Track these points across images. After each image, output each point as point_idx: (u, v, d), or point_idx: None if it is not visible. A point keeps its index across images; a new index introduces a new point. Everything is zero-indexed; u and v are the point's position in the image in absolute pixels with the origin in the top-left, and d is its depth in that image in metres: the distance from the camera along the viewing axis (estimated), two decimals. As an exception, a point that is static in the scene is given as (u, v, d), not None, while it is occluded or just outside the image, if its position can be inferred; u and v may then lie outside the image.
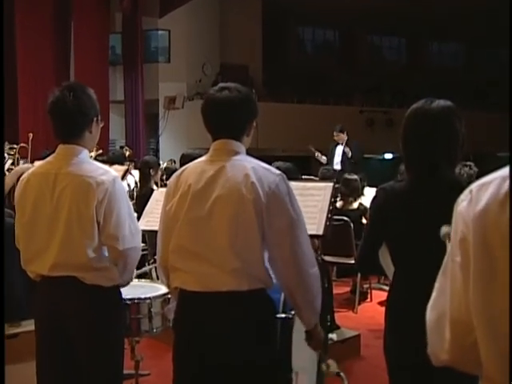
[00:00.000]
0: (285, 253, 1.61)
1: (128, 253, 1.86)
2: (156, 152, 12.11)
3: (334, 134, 7.57)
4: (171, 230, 1.69)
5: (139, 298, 2.29)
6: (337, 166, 7.51)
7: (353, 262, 4.33)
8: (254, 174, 1.62)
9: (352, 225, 4.34)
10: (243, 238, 1.59)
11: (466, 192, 0.88)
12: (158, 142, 12.30)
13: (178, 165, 6.04)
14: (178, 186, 1.71)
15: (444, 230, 1.05)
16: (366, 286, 4.93)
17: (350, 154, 7.45)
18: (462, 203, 0.87)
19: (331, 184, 2.57)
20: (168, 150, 11.54)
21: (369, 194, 4.85)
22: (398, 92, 14.26)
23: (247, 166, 1.64)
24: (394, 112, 12.53)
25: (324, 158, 7.74)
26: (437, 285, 0.91)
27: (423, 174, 1.59)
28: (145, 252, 4.19)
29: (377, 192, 1.69)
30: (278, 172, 1.66)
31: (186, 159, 4.27)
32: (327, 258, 4.37)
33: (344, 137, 7.54)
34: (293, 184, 1.73)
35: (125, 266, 1.88)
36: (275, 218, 1.59)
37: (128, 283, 1.96)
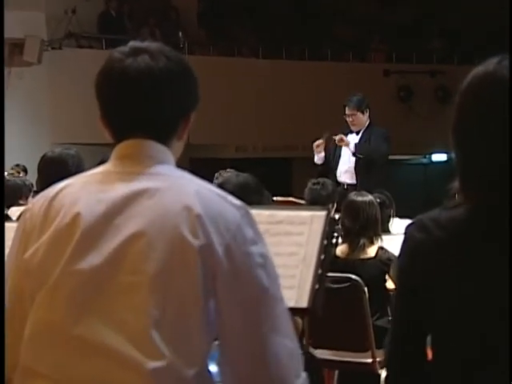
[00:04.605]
0: (250, 349, 1.71)
1: None
2: (-13, 150, 11.99)
3: (347, 111, 7.64)
4: (29, 298, 1.75)
5: None
6: (345, 176, 7.65)
7: (369, 360, 4.48)
8: (201, 203, 1.71)
9: (366, 289, 4.48)
10: (176, 314, 1.67)
11: None
12: (-10, 131, 12.19)
13: (32, 176, 6.07)
14: (49, 216, 1.77)
15: None
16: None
17: (351, 147, 7.48)
18: None
19: (323, 213, 2.71)
20: (12, 147, 11.44)
21: (399, 231, 5.01)
22: (458, 35, 14.70)
23: (187, 188, 1.74)
24: (449, 73, 12.90)
25: (323, 154, 7.78)
26: None
27: (495, 196, 1.63)
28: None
29: (407, 231, 1.73)
30: (237, 202, 1.76)
31: (51, 166, 4.15)
32: (320, 354, 4.49)
33: (364, 119, 7.64)
34: (253, 213, 1.81)
35: None
36: (237, 284, 1.70)
37: None
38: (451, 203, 1.72)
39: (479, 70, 1.67)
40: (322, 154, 7.73)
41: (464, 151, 1.68)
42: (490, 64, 1.66)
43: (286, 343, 1.74)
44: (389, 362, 1.81)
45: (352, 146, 7.52)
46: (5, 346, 1.75)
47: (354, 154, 7.54)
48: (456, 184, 1.71)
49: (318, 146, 7.69)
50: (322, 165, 7.80)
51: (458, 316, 1.66)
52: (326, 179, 5.95)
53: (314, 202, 5.39)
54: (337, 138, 7.55)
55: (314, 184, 5.67)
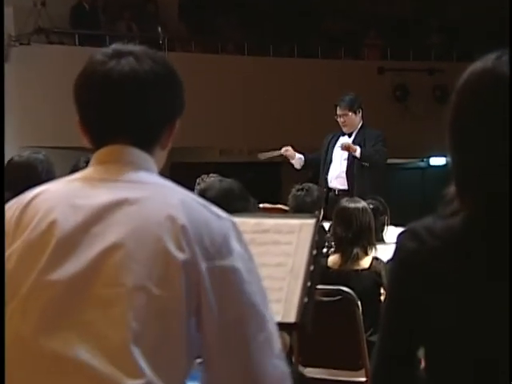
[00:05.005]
0: (239, 370, 1.73)
1: None
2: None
3: (338, 111, 7.75)
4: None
5: None
6: (337, 181, 7.73)
7: (363, 379, 4.49)
8: (185, 214, 1.74)
9: (359, 302, 4.49)
10: (157, 329, 1.69)
11: None
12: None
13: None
14: (22, 223, 1.79)
15: None
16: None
17: (357, 152, 7.56)
18: None
19: (312, 221, 2.72)
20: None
21: (394, 240, 4.97)
22: (457, 31, 14.72)
23: (171, 197, 1.77)
24: (448, 71, 12.93)
25: (299, 156, 7.83)
26: None
27: (494, 201, 1.65)
28: None
29: (399, 240, 1.77)
30: (223, 214, 1.79)
31: (18, 171, 4.19)
32: (310, 373, 4.52)
33: (356, 120, 7.75)
34: (238, 222, 1.83)
35: None
36: (223, 301, 1.72)
37: None
38: (447, 211, 1.73)
39: (477, 66, 1.70)
40: (296, 156, 7.78)
41: (461, 153, 1.70)
42: (489, 60, 1.68)
43: (277, 364, 1.77)
44: (375, 375, 1.84)
45: (358, 151, 7.56)
46: (5, 347, 1.76)
47: (358, 159, 7.56)
48: (452, 189, 1.73)
49: (286, 150, 7.76)
50: (303, 168, 7.86)
51: (456, 325, 1.69)
52: (311, 184, 5.94)
53: (299, 209, 5.41)
54: (343, 145, 7.56)
55: (298, 190, 5.67)
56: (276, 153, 7.94)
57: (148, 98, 1.82)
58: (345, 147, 7.57)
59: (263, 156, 8.14)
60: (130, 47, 1.86)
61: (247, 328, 1.74)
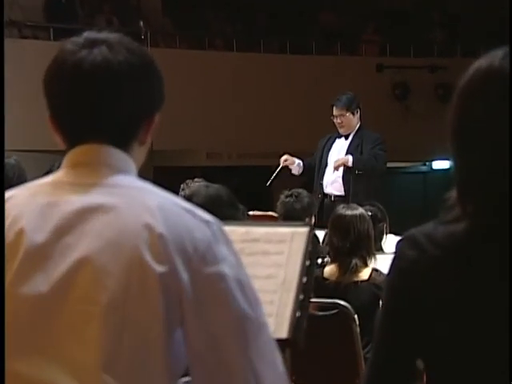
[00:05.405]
0: None
1: None
2: None
3: (335, 111, 7.80)
4: None
5: None
6: (332, 187, 7.78)
7: (361, 398, 4.51)
8: (164, 220, 1.73)
9: (356, 316, 4.49)
10: (134, 349, 1.69)
11: None
12: None
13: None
14: None
15: None
16: None
17: (349, 162, 7.64)
18: None
19: (304, 229, 2.73)
20: None
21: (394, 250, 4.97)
22: (461, 25, 14.77)
23: (148, 203, 1.76)
24: (452, 68, 12.99)
25: (298, 162, 7.92)
26: None
27: (494, 211, 1.68)
28: None
29: (398, 247, 1.78)
30: (208, 217, 1.78)
31: None
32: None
33: (354, 120, 7.80)
34: (226, 230, 1.83)
35: None
36: (209, 313, 1.72)
37: None
38: (449, 216, 1.74)
39: (482, 63, 1.71)
40: (296, 162, 7.86)
41: (465, 154, 1.72)
42: (495, 58, 1.70)
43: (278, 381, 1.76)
44: (369, 374, 1.84)
45: (350, 160, 7.62)
46: (5, 347, 1.75)
47: (350, 169, 7.63)
48: (453, 194, 1.74)
49: (286, 160, 7.83)
50: (302, 174, 7.92)
51: (457, 336, 1.71)
52: (301, 190, 5.95)
53: (288, 217, 5.43)
54: (335, 165, 7.65)
55: (286, 196, 5.69)
56: (278, 170, 7.97)
57: (122, 90, 1.80)
58: (337, 166, 7.65)
59: (269, 181, 8.12)
60: (104, 35, 1.84)
61: (237, 341, 1.72)
